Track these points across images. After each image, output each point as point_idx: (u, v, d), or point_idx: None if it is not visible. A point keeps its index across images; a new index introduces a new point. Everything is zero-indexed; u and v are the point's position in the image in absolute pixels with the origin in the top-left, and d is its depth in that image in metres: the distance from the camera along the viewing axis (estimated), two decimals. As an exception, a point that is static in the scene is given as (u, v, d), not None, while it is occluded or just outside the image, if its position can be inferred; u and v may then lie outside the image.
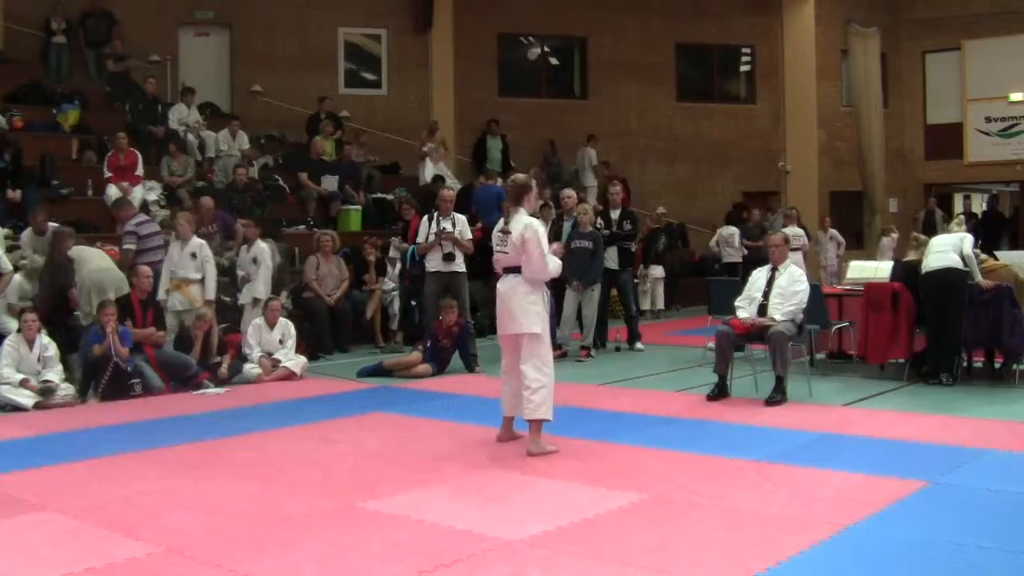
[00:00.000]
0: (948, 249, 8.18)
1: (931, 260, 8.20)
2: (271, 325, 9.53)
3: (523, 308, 6.06)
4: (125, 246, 9.86)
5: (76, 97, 13.83)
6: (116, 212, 10.67)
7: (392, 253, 12.12)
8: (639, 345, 11.01)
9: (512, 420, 6.32)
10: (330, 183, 14.01)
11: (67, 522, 4.72)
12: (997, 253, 9.93)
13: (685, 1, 18.58)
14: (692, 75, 19.38)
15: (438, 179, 14.40)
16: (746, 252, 15.30)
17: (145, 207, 11.89)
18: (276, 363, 9.35)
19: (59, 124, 13.41)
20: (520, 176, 6.59)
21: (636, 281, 13.40)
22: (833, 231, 16.47)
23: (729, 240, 15.78)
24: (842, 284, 10.15)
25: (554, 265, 6.11)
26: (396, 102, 16.65)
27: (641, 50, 18.45)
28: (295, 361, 9.45)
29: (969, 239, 8.38)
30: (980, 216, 19.93)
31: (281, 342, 9.52)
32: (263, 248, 10.52)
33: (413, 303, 11.13)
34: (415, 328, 11.32)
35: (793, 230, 14.08)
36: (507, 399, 6.29)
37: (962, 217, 13.07)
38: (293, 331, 9.69)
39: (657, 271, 15.04)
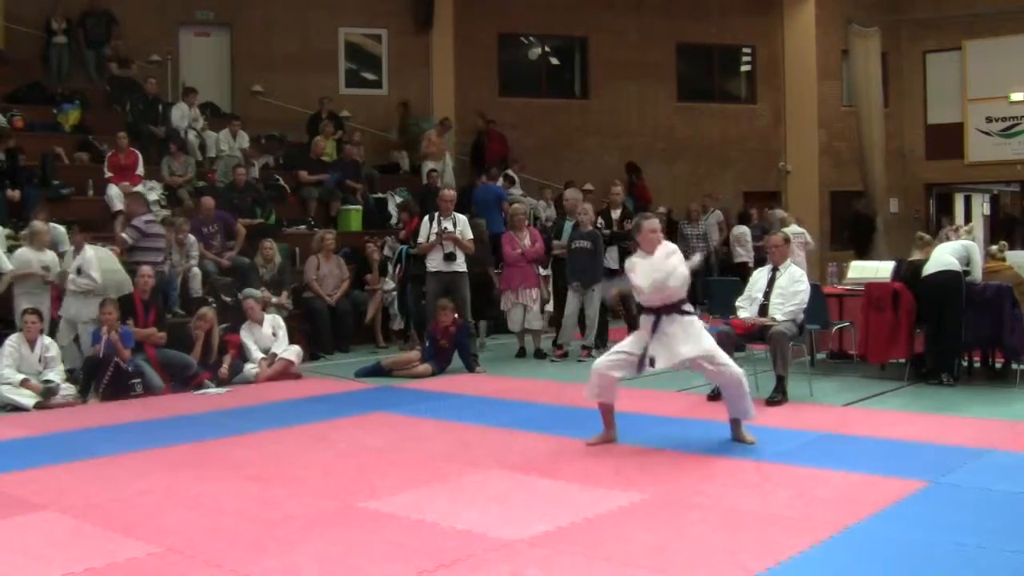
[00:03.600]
0: (948, 253, 8.22)
1: (930, 264, 8.25)
2: (257, 321, 9.54)
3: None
4: (122, 235, 9.89)
5: (76, 97, 13.82)
6: (129, 204, 10.59)
7: (386, 252, 12.15)
8: (639, 345, 11.00)
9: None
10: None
11: (67, 522, 4.73)
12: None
13: (685, 1, 18.54)
14: (692, 75, 19.34)
15: (432, 173, 14.42)
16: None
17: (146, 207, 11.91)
18: (273, 357, 9.36)
19: (59, 124, 13.41)
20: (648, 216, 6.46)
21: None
22: (743, 228, 16.09)
23: (740, 240, 15.76)
24: (842, 284, 10.14)
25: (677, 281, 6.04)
26: (396, 102, 16.61)
27: (641, 50, 18.41)
28: (291, 350, 9.47)
29: (974, 246, 8.48)
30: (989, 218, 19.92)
31: (273, 335, 9.54)
32: (89, 257, 9.04)
33: (408, 304, 11.19)
34: (412, 328, 11.37)
35: (793, 229, 14.04)
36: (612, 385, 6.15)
37: (972, 225, 12.94)
38: (281, 322, 9.75)
39: None
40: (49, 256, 9.14)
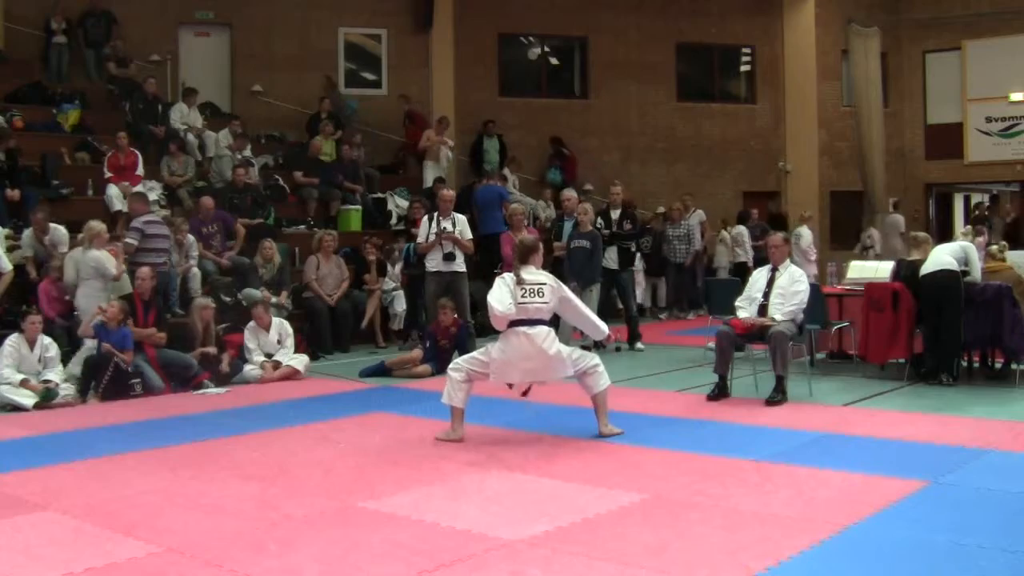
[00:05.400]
0: (946, 254, 8.22)
1: (928, 264, 8.25)
2: (265, 328, 9.51)
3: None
4: (127, 240, 9.87)
5: (76, 97, 13.84)
6: (131, 204, 10.52)
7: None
8: (639, 345, 11.02)
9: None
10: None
11: (67, 522, 4.72)
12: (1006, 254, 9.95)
13: (685, 1, 18.56)
14: (692, 75, 19.35)
15: (439, 181, 14.38)
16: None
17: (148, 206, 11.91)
18: (277, 364, 9.34)
19: (59, 124, 13.41)
20: (529, 238, 6.93)
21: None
22: (741, 228, 15.96)
23: (737, 239, 15.72)
24: (842, 284, 10.15)
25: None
26: (396, 102, 16.61)
27: (641, 50, 18.42)
28: (297, 360, 9.45)
29: (971, 247, 8.49)
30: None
31: (280, 342, 9.51)
32: None
33: (418, 302, 11.18)
34: (414, 328, 11.36)
35: (800, 230, 14.02)
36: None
37: (969, 228, 12.88)
38: (290, 329, 9.67)
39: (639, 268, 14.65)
40: (104, 256, 9.08)
